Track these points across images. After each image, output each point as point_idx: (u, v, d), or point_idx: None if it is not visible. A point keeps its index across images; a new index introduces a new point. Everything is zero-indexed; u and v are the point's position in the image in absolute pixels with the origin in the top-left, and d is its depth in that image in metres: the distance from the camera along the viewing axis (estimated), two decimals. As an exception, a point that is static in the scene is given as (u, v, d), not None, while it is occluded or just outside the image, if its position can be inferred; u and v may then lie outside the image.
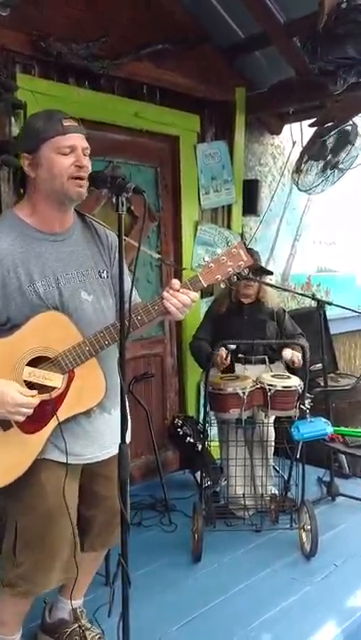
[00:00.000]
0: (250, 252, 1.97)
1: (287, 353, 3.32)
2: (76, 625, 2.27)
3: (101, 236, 2.03)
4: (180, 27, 3.69)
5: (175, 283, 1.87)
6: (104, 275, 1.99)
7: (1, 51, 2.98)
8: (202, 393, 3.42)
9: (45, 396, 1.81)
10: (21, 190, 1.97)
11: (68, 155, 1.81)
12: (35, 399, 1.77)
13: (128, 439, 1.83)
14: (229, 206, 4.33)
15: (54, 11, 3.10)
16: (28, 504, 1.89)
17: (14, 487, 1.83)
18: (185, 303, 1.86)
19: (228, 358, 3.29)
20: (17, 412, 1.75)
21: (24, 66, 3.12)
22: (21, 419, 1.77)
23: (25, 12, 2.91)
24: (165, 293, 1.86)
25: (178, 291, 1.85)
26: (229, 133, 4.23)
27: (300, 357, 3.29)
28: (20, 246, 1.83)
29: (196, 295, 1.90)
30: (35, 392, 1.78)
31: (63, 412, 1.83)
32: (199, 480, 3.33)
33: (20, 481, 1.82)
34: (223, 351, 3.23)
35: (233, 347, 3.30)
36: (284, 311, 3.63)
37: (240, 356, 3.40)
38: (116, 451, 1.87)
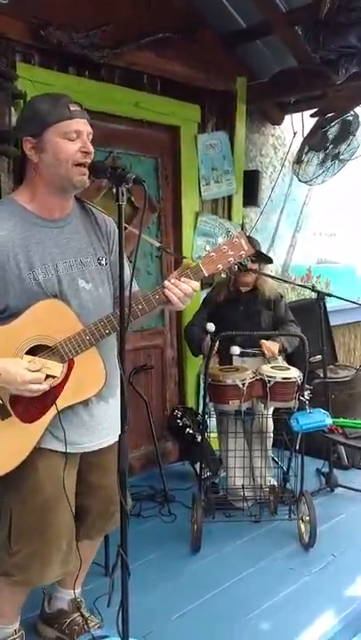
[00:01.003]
0: (250, 239, 1.96)
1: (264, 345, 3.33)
2: (76, 614, 2.28)
3: (100, 223, 2.01)
4: (181, 15, 3.66)
5: (177, 272, 1.86)
6: (103, 262, 1.97)
7: (1, 39, 2.95)
8: (201, 384, 3.41)
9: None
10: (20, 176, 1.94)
11: (75, 140, 1.79)
12: (42, 373, 1.76)
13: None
14: (230, 197, 4.31)
15: (54, -1, 3.08)
16: (24, 493, 1.88)
17: (12, 476, 1.82)
18: (186, 292, 1.84)
19: (216, 346, 3.24)
20: (26, 388, 1.74)
21: (24, 55, 3.10)
22: (34, 394, 1.76)
23: (25, 0, 2.88)
24: (167, 282, 1.84)
25: (179, 280, 1.84)
26: (230, 124, 4.21)
27: (274, 350, 3.30)
28: (20, 233, 1.81)
29: (198, 285, 1.88)
30: (40, 365, 1.77)
31: (62, 401, 1.82)
32: (198, 471, 3.33)
33: (17, 470, 1.82)
34: (208, 341, 3.22)
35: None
36: (282, 297, 3.60)
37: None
38: (113, 439, 1.88)
